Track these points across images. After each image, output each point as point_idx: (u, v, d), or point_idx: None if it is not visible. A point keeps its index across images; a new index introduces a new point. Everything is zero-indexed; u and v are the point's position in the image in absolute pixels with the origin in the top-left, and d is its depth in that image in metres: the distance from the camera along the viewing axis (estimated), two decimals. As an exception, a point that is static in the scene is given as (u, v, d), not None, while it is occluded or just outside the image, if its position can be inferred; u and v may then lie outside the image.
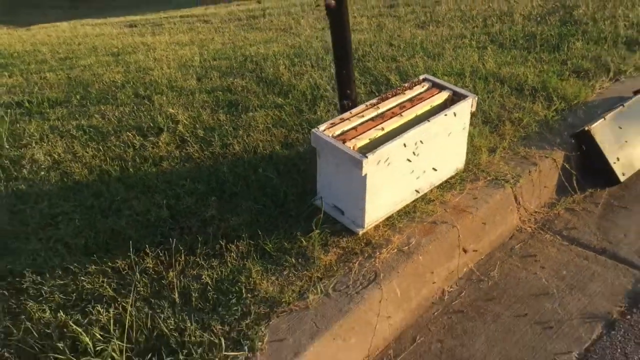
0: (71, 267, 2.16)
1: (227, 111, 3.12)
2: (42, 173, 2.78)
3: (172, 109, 3.22)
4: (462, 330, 2.02)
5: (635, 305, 2.02)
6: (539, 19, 4.11)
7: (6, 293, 2.12)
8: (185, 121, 3.03)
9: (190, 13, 8.14)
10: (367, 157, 1.97)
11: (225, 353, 1.74)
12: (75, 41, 5.99)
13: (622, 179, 2.62)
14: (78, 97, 3.67)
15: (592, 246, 2.33)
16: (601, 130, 2.64)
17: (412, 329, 2.05)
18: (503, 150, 2.60)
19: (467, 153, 2.47)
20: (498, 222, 2.39)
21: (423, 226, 2.21)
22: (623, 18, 3.78)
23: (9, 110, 3.53)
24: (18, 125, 3.34)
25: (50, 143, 3.04)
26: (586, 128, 2.62)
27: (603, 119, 2.66)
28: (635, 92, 2.87)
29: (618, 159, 2.63)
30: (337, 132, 2.13)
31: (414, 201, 2.30)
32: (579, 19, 3.94)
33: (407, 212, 2.27)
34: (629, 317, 1.98)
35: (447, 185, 2.40)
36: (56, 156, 2.89)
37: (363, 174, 2.00)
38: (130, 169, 2.70)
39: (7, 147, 3.07)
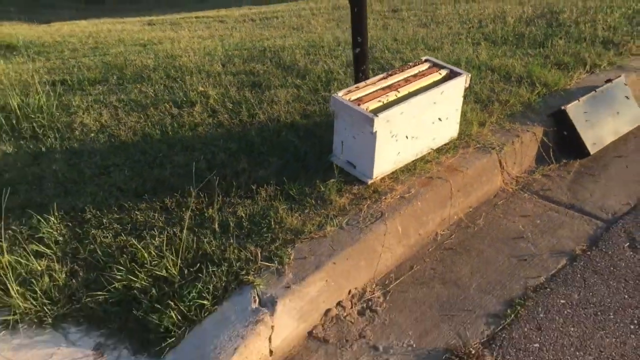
0: (125, 204, 2.59)
1: (251, 89, 3.56)
2: (92, 135, 3.20)
3: (202, 87, 3.65)
4: (451, 261, 2.44)
5: (595, 244, 2.45)
6: (528, 21, 4.58)
7: (70, 224, 2.54)
8: (215, 96, 3.47)
9: (204, 15, 8.62)
10: (377, 116, 2.40)
11: (261, 263, 2.16)
12: (100, 35, 6.44)
13: (591, 151, 3.06)
14: (115, 77, 4.11)
15: (562, 203, 2.76)
16: (575, 110, 3.08)
17: (410, 260, 2.47)
18: (491, 124, 3.04)
19: (460, 124, 2.90)
20: (485, 182, 2.82)
21: (421, 180, 2.64)
22: (602, 22, 4.25)
23: (54, 87, 3.95)
24: (64, 98, 3.76)
25: (95, 112, 3.47)
26: (562, 107, 3.06)
27: (577, 101, 3.10)
28: (607, 81, 3.32)
29: (589, 135, 3.07)
30: (353, 97, 2.56)
31: (414, 160, 2.73)
32: (563, 22, 4.42)
33: (408, 169, 2.69)
34: (588, 253, 2.41)
35: (442, 150, 2.83)
36: (103, 122, 3.32)
37: (374, 131, 2.43)
38: (170, 132, 3.12)
39: (58, 114, 3.49)
